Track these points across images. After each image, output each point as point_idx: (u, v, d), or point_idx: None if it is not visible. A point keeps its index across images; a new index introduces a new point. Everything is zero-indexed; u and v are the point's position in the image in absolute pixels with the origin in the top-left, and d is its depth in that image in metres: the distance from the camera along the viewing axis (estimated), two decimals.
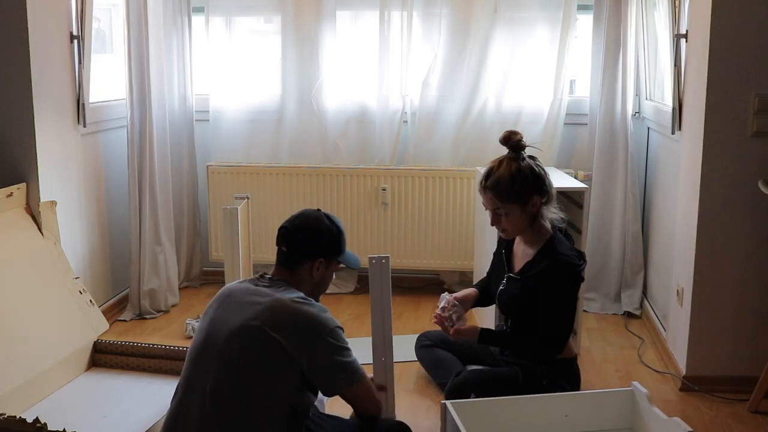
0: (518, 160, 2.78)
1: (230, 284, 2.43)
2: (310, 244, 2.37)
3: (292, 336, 2.18)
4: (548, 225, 2.85)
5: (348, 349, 2.28)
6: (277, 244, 2.40)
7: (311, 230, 2.38)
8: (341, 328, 2.29)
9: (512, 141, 2.79)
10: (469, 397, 2.73)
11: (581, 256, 2.86)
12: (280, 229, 2.40)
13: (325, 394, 2.41)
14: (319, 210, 2.45)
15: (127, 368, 3.15)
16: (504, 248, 3.00)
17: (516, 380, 2.83)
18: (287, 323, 2.20)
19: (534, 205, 2.78)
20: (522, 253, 2.90)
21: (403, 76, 4.33)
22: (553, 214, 2.87)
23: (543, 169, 2.81)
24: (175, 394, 2.30)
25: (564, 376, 2.87)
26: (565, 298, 2.79)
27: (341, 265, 2.49)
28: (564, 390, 2.80)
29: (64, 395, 2.94)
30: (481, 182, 2.83)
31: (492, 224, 2.87)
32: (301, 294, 2.31)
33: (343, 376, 2.26)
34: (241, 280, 2.47)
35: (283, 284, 2.32)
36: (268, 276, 2.38)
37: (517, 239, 2.94)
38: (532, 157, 2.82)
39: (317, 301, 2.39)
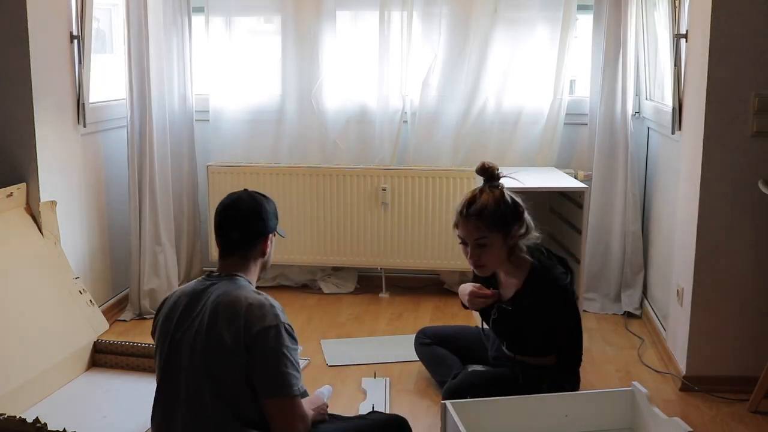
0: (498, 188, 2.77)
1: (176, 291, 2.36)
2: (262, 222, 2.34)
3: (232, 329, 2.13)
4: (525, 251, 2.81)
5: (288, 353, 2.15)
6: (222, 233, 2.34)
7: (258, 209, 2.35)
8: (290, 327, 2.19)
9: (489, 171, 2.78)
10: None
11: (566, 267, 2.86)
12: (225, 218, 2.33)
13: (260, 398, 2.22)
14: (245, 189, 2.42)
15: (127, 368, 3.15)
16: (483, 281, 2.95)
17: (516, 381, 2.83)
18: (229, 317, 2.14)
19: (513, 237, 2.75)
20: (506, 281, 2.87)
21: (403, 76, 4.32)
22: (528, 240, 2.82)
23: (519, 200, 2.79)
24: (154, 405, 2.27)
25: (565, 379, 2.87)
26: (572, 317, 2.85)
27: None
28: (564, 391, 2.80)
29: (64, 395, 2.94)
30: (461, 212, 2.76)
31: (470, 258, 2.78)
32: (250, 287, 2.26)
33: (274, 384, 2.15)
34: (186, 284, 2.40)
35: (230, 278, 2.28)
36: (215, 274, 2.34)
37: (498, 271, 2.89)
38: (512, 191, 2.81)
39: (261, 277, 2.42)
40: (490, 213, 2.71)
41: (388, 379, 3.26)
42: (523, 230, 2.76)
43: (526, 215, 2.78)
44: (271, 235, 2.38)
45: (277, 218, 2.42)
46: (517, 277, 2.81)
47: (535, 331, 2.80)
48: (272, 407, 2.16)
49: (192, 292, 2.28)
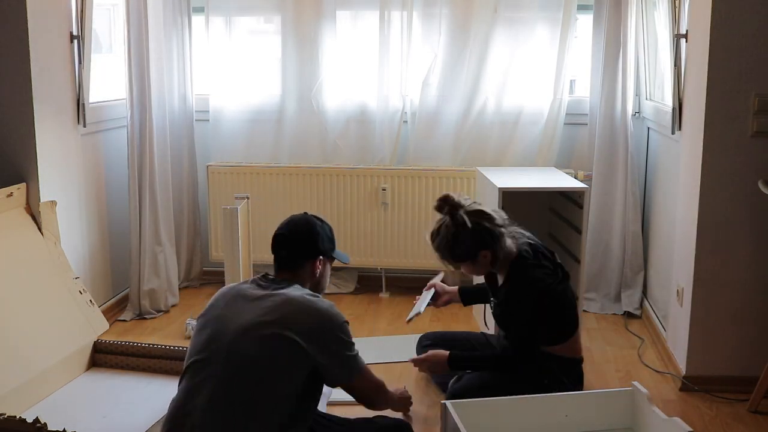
0: (456, 225, 2.78)
1: (234, 284, 2.49)
2: (309, 243, 2.47)
3: (306, 331, 2.24)
4: (513, 249, 2.87)
5: (353, 343, 2.37)
6: (274, 251, 2.48)
7: (308, 231, 2.48)
8: (347, 323, 2.36)
9: (445, 210, 2.82)
10: None
11: (555, 270, 2.88)
12: (276, 237, 2.48)
13: (331, 386, 2.54)
14: (306, 213, 2.56)
15: (127, 368, 3.15)
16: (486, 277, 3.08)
17: (516, 382, 2.83)
18: (300, 319, 2.26)
19: (485, 257, 2.83)
20: (500, 278, 2.98)
21: (403, 76, 4.32)
22: (516, 239, 2.88)
23: (487, 223, 2.80)
24: (179, 389, 2.30)
25: (566, 374, 2.88)
26: (529, 316, 2.81)
27: (335, 262, 2.60)
28: (564, 386, 2.82)
29: (64, 395, 2.94)
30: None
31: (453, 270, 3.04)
32: (309, 290, 2.39)
33: (347, 370, 2.35)
34: (244, 280, 2.51)
35: (287, 283, 2.38)
36: (271, 276, 2.44)
37: None
38: (476, 213, 2.81)
39: None
40: (446, 252, 2.83)
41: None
42: (493, 251, 2.82)
43: (494, 235, 2.79)
44: (322, 257, 2.49)
45: (332, 242, 2.54)
46: (504, 274, 2.94)
47: (514, 324, 2.88)
48: (356, 389, 2.43)
49: (242, 291, 2.37)
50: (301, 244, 2.47)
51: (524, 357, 2.85)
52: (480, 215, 2.82)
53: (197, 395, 2.20)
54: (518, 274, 2.85)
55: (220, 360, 2.22)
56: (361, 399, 2.50)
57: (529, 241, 2.92)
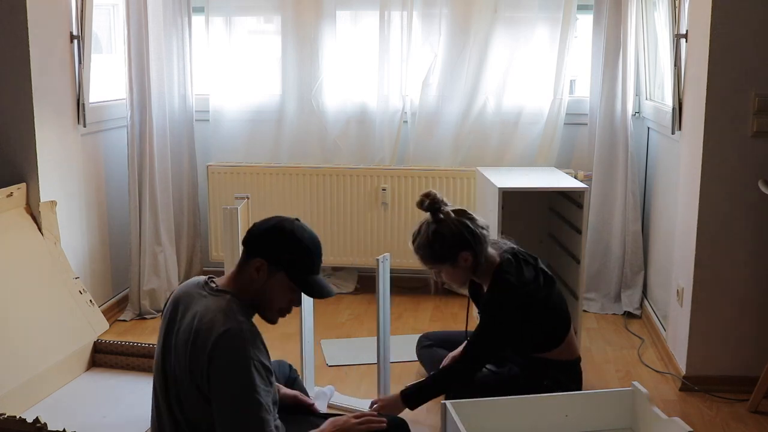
0: (437, 222, 2.73)
1: (180, 287, 2.22)
2: (259, 240, 2.11)
3: (199, 356, 1.96)
4: (495, 257, 2.81)
5: (254, 394, 1.93)
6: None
7: (269, 227, 2.12)
8: (260, 363, 1.96)
9: (426, 204, 2.74)
10: None
11: (537, 276, 2.79)
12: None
13: None
14: (298, 219, 2.18)
15: (127, 368, 3.15)
16: (471, 289, 3.02)
17: (516, 381, 2.83)
18: (199, 342, 1.97)
19: (465, 260, 2.74)
20: (484, 289, 2.91)
21: (403, 76, 4.33)
22: (499, 247, 2.85)
23: (469, 222, 2.74)
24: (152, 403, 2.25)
25: (565, 375, 2.87)
26: (492, 322, 2.75)
27: (296, 288, 2.14)
28: (564, 387, 2.80)
29: (64, 395, 2.94)
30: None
31: (436, 278, 2.92)
32: (233, 309, 2.03)
33: (236, 428, 1.95)
34: (188, 283, 2.23)
35: (222, 294, 2.08)
36: (214, 284, 2.15)
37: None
38: (458, 212, 2.77)
39: (268, 318, 2.14)
40: (425, 252, 2.75)
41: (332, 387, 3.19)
42: (474, 254, 2.74)
43: (475, 236, 2.73)
44: (265, 262, 2.07)
45: (292, 256, 2.09)
46: (487, 283, 2.86)
47: (479, 326, 2.81)
48: None
49: (184, 295, 2.15)
50: (254, 237, 2.12)
51: (475, 361, 2.76)
52: (462, 213, 2.77)
53: (162, 418, 2.14)
54: (497, 281, 2.76)
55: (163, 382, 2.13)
56: None
57: (513, 247, 2.87)
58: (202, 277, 2.20)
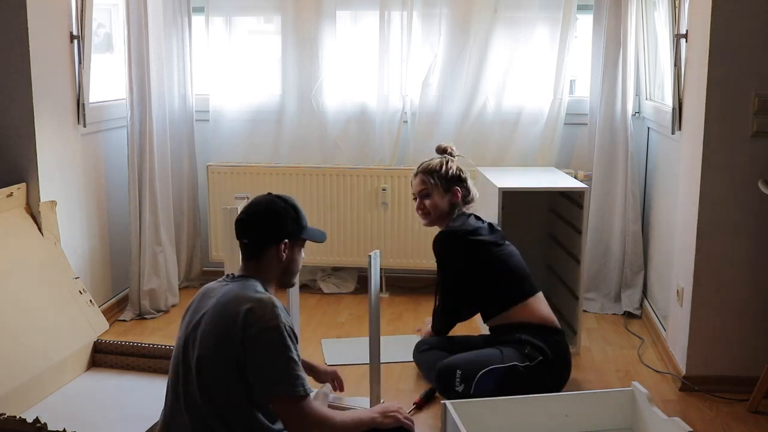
0: (447, 161, 3.27)
1: (207, 285, 2.35)
2: (271, 228, 2.29)
3: (230, 329, 2.09)
4: (462, 215, 3.23)
5: (290, 353, 2.10)
6: (237, 238, 2.32)
7: (268, 214, 2.29)
8: (290, 329, 2.14)
9: (442, 148, 3.34)
10: (455, 376, 2.87)
11: (476, 229, 3.14)
12: (236, 223, 2.32)
13: (260, 400, 2.15)
14: (269, 193, 2.37)
15: (127, 368, 3.15)
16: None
17: (499, 356, 2.93)
18: (227, 318, 2.11)
19: (455, 195, 3.21)
20: None
21: (403, 76, 4.33)
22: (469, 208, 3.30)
23: (467, 176, 3.29)
24: (165, 401, 2.27)
25: (542, 340, 2.96)
26: (445, 268, 3.19)
27: (306, 242, 2.40)
28: (546, 355, 2.92)
29: (64, 395, 2.94)
30: (415, 172, 3.30)
31: (417, 209, 3.30)
32: (256, 287, 2.20)
33: (278, 385, 2.09)
34: (210, 283, 2.36)
35: (244, 279, 2.25)
36: (233, 274, 2.31)
37: None
38: (461, 168, 3.29)
39: (290, 284, 2.41)
40: (433, 169, 3.24)
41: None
42: (462, 192, 3.24)
43: (469, 184, 3.28)
44: (287, 240, 2.29)
45: (298, 222, 2.33)
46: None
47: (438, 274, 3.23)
48: (280, 408, 2.12)
49: (206, 290, 2.28)
50: (263, 228, 2.28)
51: (444, 306, 3.22)
52: (463, 171, 3.29)
53: (180, 409, 2.18)
54: (446, 225, 3.23)
55: (186, 370, 2.17)
56: (287, 428, 2.16)
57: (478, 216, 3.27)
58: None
